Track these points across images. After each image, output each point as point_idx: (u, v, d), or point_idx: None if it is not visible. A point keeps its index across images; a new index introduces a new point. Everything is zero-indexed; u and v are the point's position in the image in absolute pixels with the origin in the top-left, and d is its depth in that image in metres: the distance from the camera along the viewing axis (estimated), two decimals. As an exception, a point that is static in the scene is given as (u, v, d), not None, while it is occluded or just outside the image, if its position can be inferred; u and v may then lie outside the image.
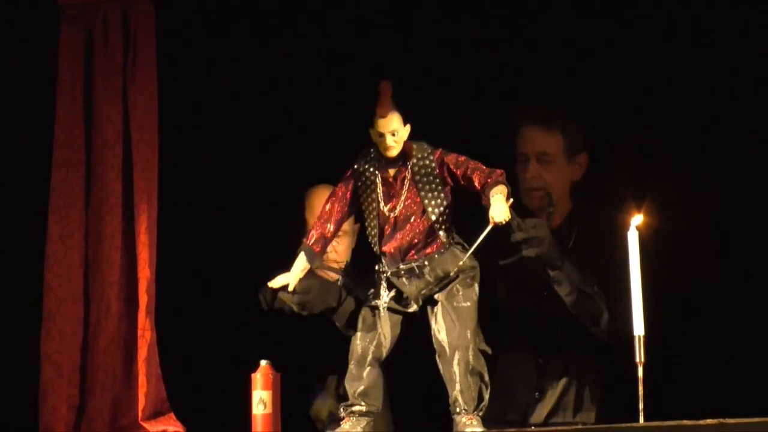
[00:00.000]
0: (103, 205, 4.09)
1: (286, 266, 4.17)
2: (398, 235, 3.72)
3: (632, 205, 3.79)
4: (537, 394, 4.37)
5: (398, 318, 3.76)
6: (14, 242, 4.27)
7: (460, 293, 3.69)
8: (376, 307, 3.75)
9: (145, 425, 4.03)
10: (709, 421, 3.32)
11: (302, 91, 4.71)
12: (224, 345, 4.54)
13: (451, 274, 3.69)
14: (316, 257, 3.79)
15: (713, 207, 4.40)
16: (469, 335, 3.66)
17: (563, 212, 4.45)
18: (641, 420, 3.55)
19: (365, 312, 3.78)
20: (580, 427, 3.54)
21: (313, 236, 3.78)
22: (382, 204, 3.74)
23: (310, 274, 3.83)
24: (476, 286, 3.72)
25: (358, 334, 3.77)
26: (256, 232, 4.65)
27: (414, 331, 3.78)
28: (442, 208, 3.70)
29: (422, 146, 3.73)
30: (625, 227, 3.67)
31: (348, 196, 3.79)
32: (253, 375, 3.78)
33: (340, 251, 4.48)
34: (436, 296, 3.72)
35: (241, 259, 4.66)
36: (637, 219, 3.68)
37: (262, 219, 4.66)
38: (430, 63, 4.70)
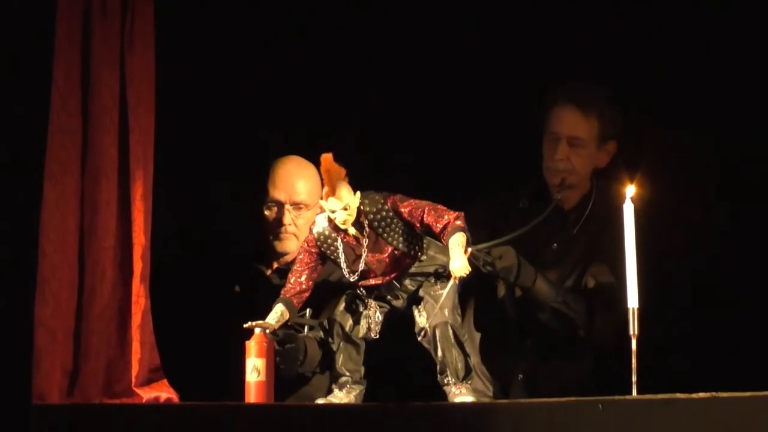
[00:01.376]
0: (99, 171, 4.06)
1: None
2: (374, 276, 3.77)
3: (627, 177, 3.81)
4: (520, 376, 4.41)
5: (383, 309, 3.81)
6: (9, 209, 4.25)
7: (438, 284, 3.75)
8: (360, 297, 3.80)
9: (139, 391, 4.02)
10: (701, 394, 3.31)
11: (302, 59, 4.75)
12: (218, 312, 4.56)
13: (430, 273, 3.78)
14: (294, 309, 3.82)
15: (710, 180, 4.48)
16: (447, 312, 3.71)
17: (579, 194, 4.46)
18: (634, 393, 3.55)
19: (349, 297, 3.83)
20: (571, 399, 3.52)
21: (289, 290, 3.83)
22: (345, 266, 3.77)
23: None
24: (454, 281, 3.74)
25: (340, 308, 3.82)
26: (251, 200, 4.64)
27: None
28: (410, 241, 3.74)
29: (373, 199, 3.73)
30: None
31: (317, 260, 3.84)
32: (247, 342, 3.77)
33: (300, 225, 4.48)
34: (418, 293, 3.78)
35: (236, 226, 4.71)
36: (630, 190, 3.67)
37: (258, 186, 4.63)
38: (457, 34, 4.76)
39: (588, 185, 4.51)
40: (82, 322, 4.04)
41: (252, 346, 3.78)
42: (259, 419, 3.65)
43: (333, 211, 3.66)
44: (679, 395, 3.33)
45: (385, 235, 3.71)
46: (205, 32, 4.67)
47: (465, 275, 3.59)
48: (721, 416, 3.26)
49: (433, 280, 3.76)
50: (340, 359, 3.80)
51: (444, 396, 3.71)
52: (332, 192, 3.63)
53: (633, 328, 3.63)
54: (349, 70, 4.54)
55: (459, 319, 3.75)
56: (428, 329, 3.71)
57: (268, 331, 3.75)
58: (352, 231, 3.71)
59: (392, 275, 3.75)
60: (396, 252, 3.73)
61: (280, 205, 4.56)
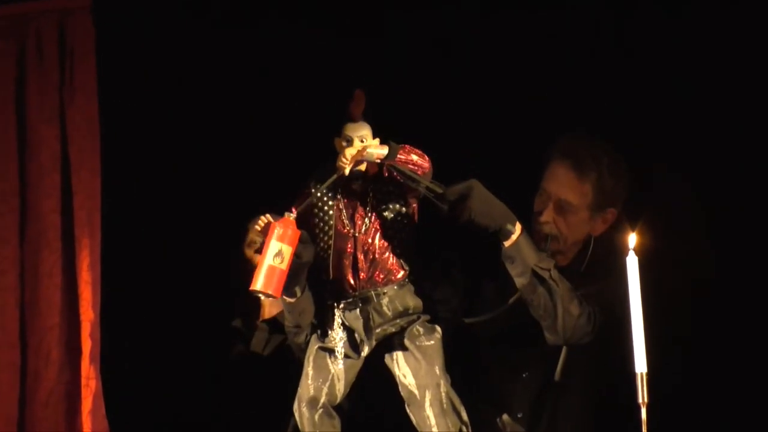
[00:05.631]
0: (40, 239, 3.95)
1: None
2: (354, 259, 3.52)
3: (628, 226, 3.53)
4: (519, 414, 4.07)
5: (352, 362, 3.55)
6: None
7: (422, 333, 3.50)
8: (328, 349, 3.54)
9: (93, 485, 3.92)
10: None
11: (257, 107, 4.50)
12: (177, 394, 4.32)
13: (410, 310, 3.51)
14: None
15: (716, 229, 4.16)
16: (437, 371, 3.44)
17: (570, 256, 4.11)
18: (646, 465, 3.38)
19: (316, 352, 3.56)
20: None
21: None
22: (343, 221, 3.53)
23: None
24: (438, 328, 3.52)
25: (309, 373, 3.52)
26: (208, 269, 4.41)
27: (377, 377, 3.58)
28: (404, 233, 3.51)
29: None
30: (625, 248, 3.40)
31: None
32: (277, 223, 3.46)
33: None
34: (395, 339, 3.53)
35: (192, 299, 4.43)
36: (632, 239, 3.38)
37: (214, 252, 4.43)
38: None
39: (581, 246, 4.12)
40: (26, 409, 3.94)
41: (282, 229, 3.43)
42: None
43: (348, 140, 3.46)
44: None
45: (384, 205, 3.51)
46: (153, 81, 4.42)
47: (341, 163, 3.44)
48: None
49: (416, 331, 3.48)
50: None
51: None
52: (355, 117, 3.48)
53: (642, 395, 3.34)
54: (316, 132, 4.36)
55: (449, 378, 3.48)
56: (417, 392, 3.44)
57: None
58: (355, 185, 3.50)
59: (373, 273, 3.49)
60: (385, 242, 3.50)
61: None
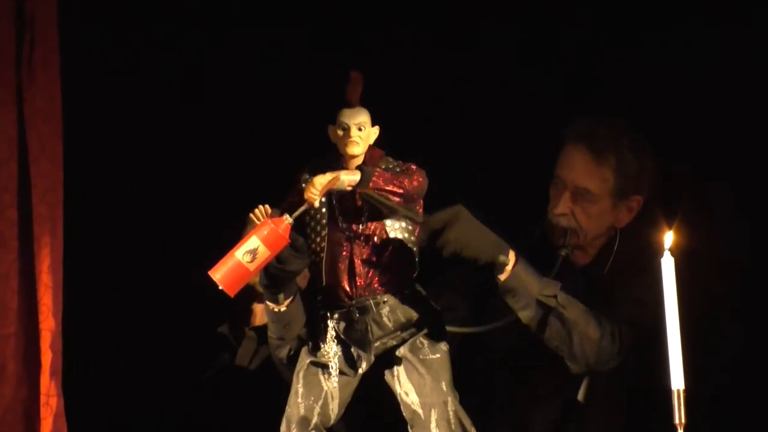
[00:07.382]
0: None
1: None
2: (350, 263, 3.39)
3: (664, 222, 3.38)
4: None
5: (348, 379, 3.45)
6: None
7: (426, 345, 3.40)
8: (321, 364, 3.42)
9: None
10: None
11: (240, 90, 4.49)
12: (149, 414, 4.28)
13: (414, 321, 3.40)
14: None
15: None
16: (444, 387, 3.35)
17: (593, 252, 3.98)
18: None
19: (307, 368, 3.45)
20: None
21: None
22: (338, 221, 3.37)
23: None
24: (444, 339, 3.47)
25: (299, 391, 3.40)
26: (183, 271, 4.25)
27: (375, 395, 3.49)
28: (407, 234, 3.38)
29: (388, 159, 3.43)
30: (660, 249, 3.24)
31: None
32: (268, 220, 3.28)
33: None
34: (396, 352, 3.44)
35: (167, 304, 4.41)
36: (668, 238, 3.19)
37: (191, 252, 4.21)
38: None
39: (604, 240, 4.00)
40: (-22, 430, 3.73)
41: (269, 230, 3.26)
42: None
43: (345, 127, 3.33)
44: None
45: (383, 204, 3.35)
46: (123, 59, 4.36)
47: (310, 194, 3.21)
48: None
49: (419, 343, 3.37)
50: None
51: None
52: (352, 102, 3.35)
53: (679, 415, 3.16)
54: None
55: (457, 395, 3.37)
56: (421, 411, 3.33)
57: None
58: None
59: (371, 279, 3.36)
60: (386, 244, 3.36)
61: None
